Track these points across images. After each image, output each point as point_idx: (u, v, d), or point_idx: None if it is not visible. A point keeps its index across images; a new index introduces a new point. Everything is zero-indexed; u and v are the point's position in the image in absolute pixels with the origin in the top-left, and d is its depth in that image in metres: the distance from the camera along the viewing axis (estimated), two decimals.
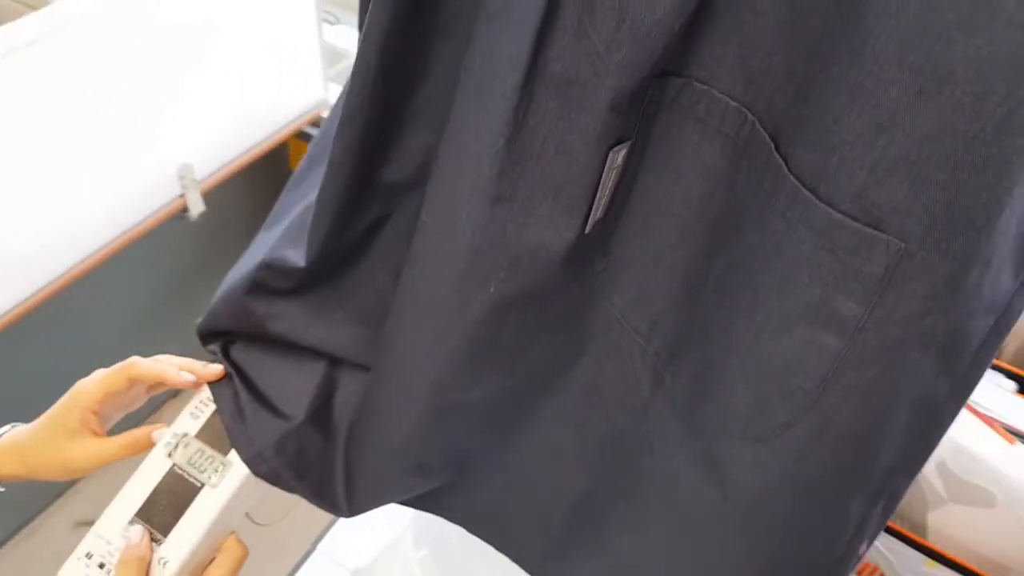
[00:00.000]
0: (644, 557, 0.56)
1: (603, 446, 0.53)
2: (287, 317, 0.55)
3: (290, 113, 1.64)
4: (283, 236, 0.55)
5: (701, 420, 0.46)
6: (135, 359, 0.58)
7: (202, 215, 1.52)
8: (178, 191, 1.45)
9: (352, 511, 0.57)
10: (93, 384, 0.57)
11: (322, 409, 0.57)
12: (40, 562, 1.69)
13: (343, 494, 0.56)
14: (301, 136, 1.74)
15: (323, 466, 0.57)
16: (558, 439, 0.55)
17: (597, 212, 0.42)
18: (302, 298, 0.55)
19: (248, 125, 1.55)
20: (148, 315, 1.77)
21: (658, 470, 0.50)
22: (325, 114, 1.71)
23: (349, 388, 0.57)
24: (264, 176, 1.85)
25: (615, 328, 0.49)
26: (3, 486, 0.60)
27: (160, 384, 0.62)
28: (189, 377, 0.57)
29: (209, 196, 1.52)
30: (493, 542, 0.62)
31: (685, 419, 0.48)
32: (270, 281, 0.54)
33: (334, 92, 1.75)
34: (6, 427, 0.61)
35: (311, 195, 0.59)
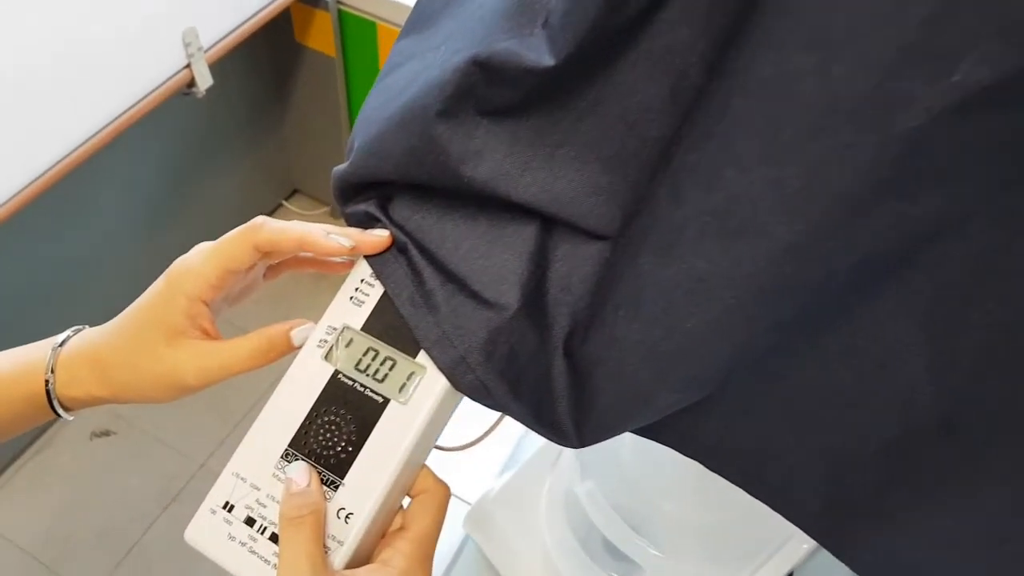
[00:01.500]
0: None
1: (992, 352, 0.34)
2: (492, 156, 0.37)
3: None
4: (488, 27, 0.36)
5: None
6: (262, 219, 0.39)
7: (209, 91, 1.30)
8: (183, 61, 1.22)
9: (584, 439, 0.40)
10: (203, 260, 0.39)
11: (535, 295, 0.39)
12: (56, 478, 1.57)
13: (569, 415, 0.39)
14: (307, 1, 1.50)
15: (538, 375, 0.40)
16: (897, 344, 0.37)
17: None
18: (518, 125, 0.37)
19: None
20: (155, 203, 1.61)
21: None
22: None
23: (566, 264, 0.40)
24: (270, 49, 1.63)
25: None
26: (74, 414, 0.43)
27: (290, 263, 0.45)
28: (345, 242, 0.39)
29: (214, 70, 1.30)
30: (744, 483, 0.45)
31: None
32: (484, 92, 0.35)
33: None
34: (67, 331, 0.43)
35: None
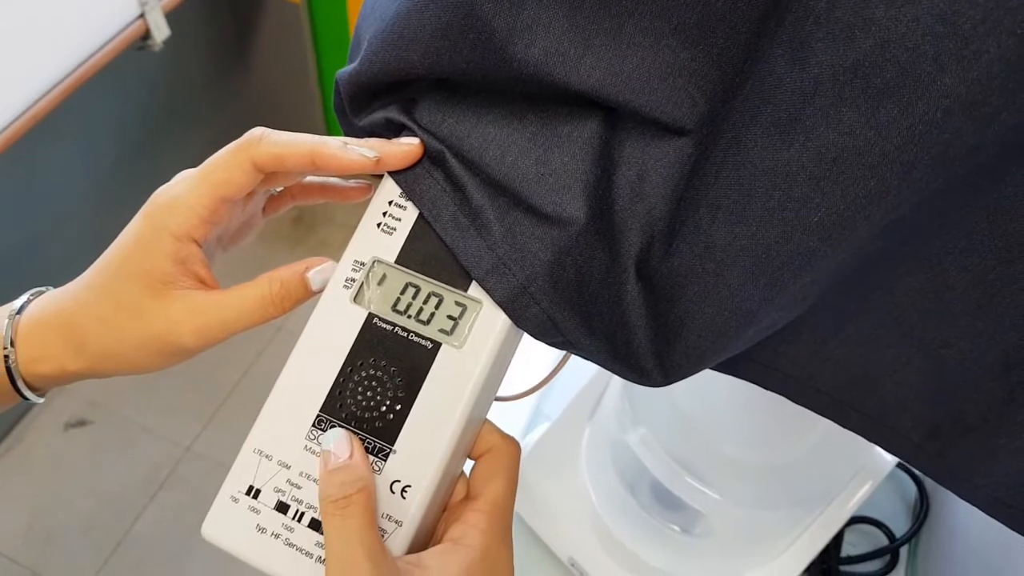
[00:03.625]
0: None
1: None
2: (548, 31, 0.30)
3: None
4: None
5: None
6: (261, 130, 0.32)
7: (166, 43, 1.19)
8: (137, 11, 1.12)
9: (669, 375, 0.33)
10: (190, 188, 0.32)
11: (603, 204, 0.32)
12: (31, 475, 1.49)
13: (649, 348, 0.33)
14: None
15: (610, 303, 0.33)
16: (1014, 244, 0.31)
17: None
18: None
19: None
20: (115, 165, 1.51)
21: None
22: None
23: (636, 166, 0.33)
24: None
25: None
26: (43, 396, 0.35)
27: (295, 192, 0.37)
28: (369, 153, 0.31)
29: (171, 20, 1.19)
30: (836, 415, 0.39)
31: None
32: None
33: None
34: (25, 295, 0.35)
35: None
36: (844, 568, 0.64)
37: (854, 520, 0.67)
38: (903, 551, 0.66)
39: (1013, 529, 0.40)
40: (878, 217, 0.28)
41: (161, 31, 1.17)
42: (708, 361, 0.33)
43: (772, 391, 0.39)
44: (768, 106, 0.28)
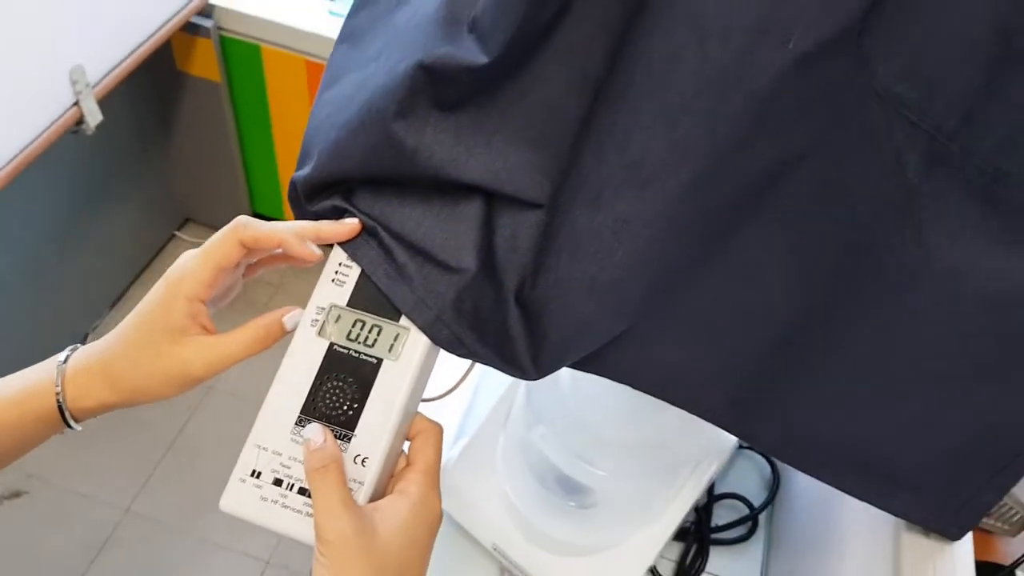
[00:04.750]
0: (864, 392, 0.50)
1: (836, 259, 0.46)
2: (443, 146, 0.45)
3: None
4: (424, 35, 0.43)
5: (1014, 189, 0.41)
6: (245, 218, 0.45)
7: (99, 127, 1.30)
8: (72, 99, 1.22)
9: (541, 370, 0.48)
10: (197, 262, 0.44)
11: (488, 257, 0.47)
12: None
13: (527, 352, 0.47)
14: (187, 29, 1.51)
15: (497, 324, 0.47)
16: (767, 260, 0.47)
17: None
18: (459, 118, 0.45)
19: (136, 13, 1.32)
20: (45, 244, 1.58)
21: (931, 265, 0.44)
22: None
23: (509, 229, 0.48)
24: (152, 80, 1.63)
25: (868, 106, 0.41)
26: (81, 424, 0.47)
27: (266, 261, 0.50)
28: (317, 252, 0.45)
29: (101, 105, 1.29)
30: (666, 395, 0.55)
31: (984, 192, 0.41)
32: (431, 91, 0.42)
33: None
34: (66, 350, 0.47)
35: None
36: (715, 536, 0.80)
37: (722, 496, 0.82)
38: (761, 518, 0.82)
39: (794, 467, 0.56)
40: (656, 256, 0.44)
41: (95, 117, 1.27)
42: (567, 359, 0.48)
43: (621, 383, 0.54)
44: (584, 188, 0.44)
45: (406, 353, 0.44)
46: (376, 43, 0.49)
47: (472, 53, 0.41)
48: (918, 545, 0.59)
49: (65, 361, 0.45)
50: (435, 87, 0.43)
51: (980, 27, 0.39)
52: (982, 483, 0.53)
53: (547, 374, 0.49)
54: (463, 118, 0.45)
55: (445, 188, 0.47)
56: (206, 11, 1.51)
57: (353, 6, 0.53)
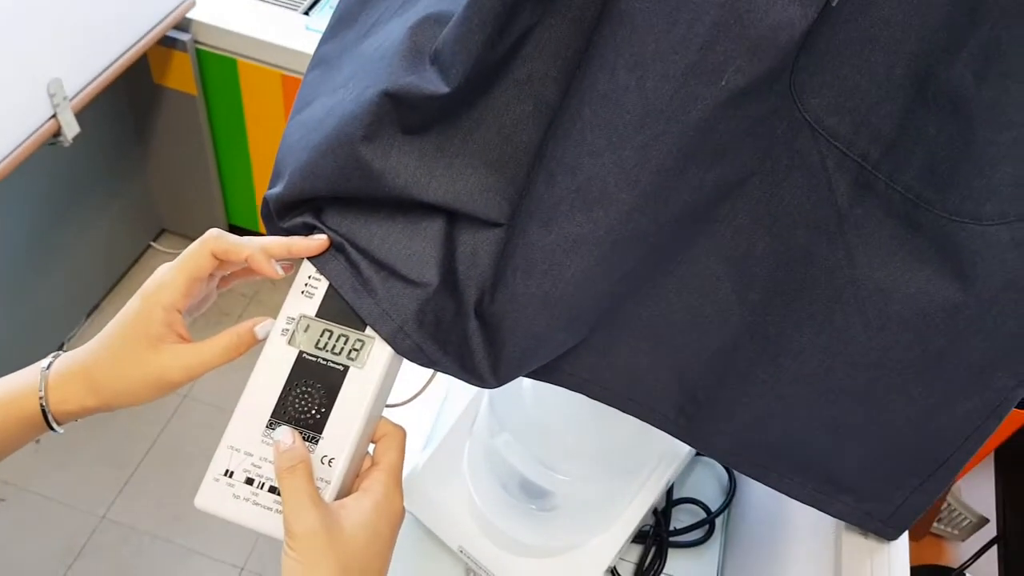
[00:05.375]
0: (803, 400, 0.53)
1: (774, 275, 0.50)
2: (406, 168, 0.48)
3: (157, 9, 1.43)
4: (389, 66, 0.46)
5: (934, 215, 0.44)
6: (218, 231, 0.48)
7: (76, 139, 1.31)
8: (49, 112, 1.24)
9: (500, 379, 0.51)
10: (173, 274, 0.47)
11: (449, 272, 0.50)
12: None
13: (486, 362, 0.51)
14: (164, 42, 1.53)
15: (458, 335, 0.51)
16: (710, 276, 0.51)
17: None
18: (423, 142, 0.48)
19: (114, 26, 1.34)
20: (21, 254, 1.59)
21: (860, 284, 0.47)
22: (191, 14, 1.51)
23: (469, 246, 0.51)
24: (129, 93, 1.64)
25: (801, 136, 0.45)
26: (63, 428, 0.49)
27: (239, 275, 0.53)
28: (280, 272, 0.48)
29: (79, 118, 1.31)
30: (619, 404, 0.58)
31: (907, 218, 0.45)
32: (395, 117, 0.46)
33: None
34: (49, 357, 0.49)
35: (389, 26, 0.51)
36: (674, 538, 0.83)
37: (680, 501, 0.86)
38: (719, 521, 0.85)
39: (740, 472, 0.60)
40: (604, 272, 0.47)
41: (72, 129, 1.28)
42: (524, 368, 0.52)
43: (576, 392, 0.58)
44: (536, 211, 0.47)
45: (371, 361, 0.47)
46: (345, 70, 0.52)
47: (434, 83, 0.45)
48: (857, 545, 0.62)
49: (48, 367, 0.48)
50: (399, 113, 0.46)
51: (899, 69, 0.42)
52: (914, 487, 0.56)
53: (505, 383, 0.52)
54: (426, 142, 0.48)
55: (409, 207, 0.50)
56: (183, 25, 1.53)
57: (324, 34, 0.57)
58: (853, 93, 0.43)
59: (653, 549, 0.81)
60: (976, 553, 1.05)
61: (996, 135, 0.41)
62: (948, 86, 0.42)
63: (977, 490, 1.18)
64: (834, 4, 0.39)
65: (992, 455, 1.23)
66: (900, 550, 0.62)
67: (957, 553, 1.17)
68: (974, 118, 0.41)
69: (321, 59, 0.55)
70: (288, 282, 0.51)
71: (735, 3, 0.37)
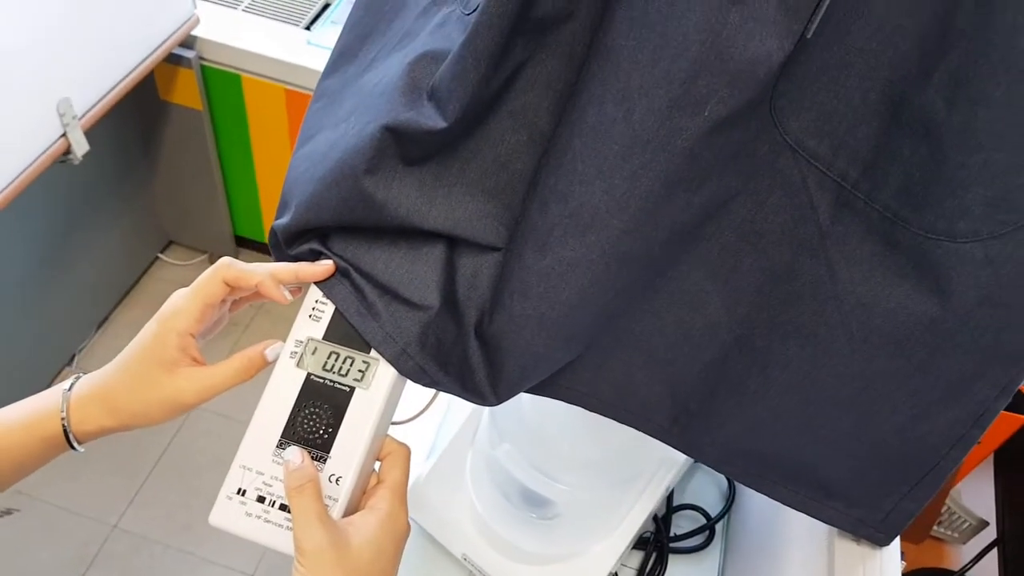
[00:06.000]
0: (792, 410, 0.55)
1: (760, 289, 0.51)
2: (407, 198, 0.50)
3: (163, 28, 1.45)
4: (389, 101, 0.48)
5: (911, 232, 0.46)
6: (229, 259, 0.50)
7: (85, 156, 1.34)
8: (59, 131, 1.27)
9: (500, 397, 0.53)
10: (187, 300, 0.49)
11: (450, 295, 0.52)
12: None
13: (486, 381, 0.53)
14: (170, 60, 1.56)
15: (459, 355, 0.53)
16: (700, 292, 0.53)
17: (820, 11, 0.40)
18: (422, 172, 0.50)
19: (121, 46, 1.37)
20: (33, 269, 1.62)
21: (843, 298, 0.49)
22: (195, 31, 1.54)
23: (470, 269, 0.53)
24: (136, 109, 1.67)
25: (783, 158, 0.47)
26: (84, 446, 0.51)
27: (250, 298, 0.55)
28: (288, 296, 0.51)
29: (88, 135, 1.34)
30: (615, 415, 0.60)
31: (885, 235, 0.47)
32: (396, 151, 0.48)
33: (202, 7, 1.58)
34: (70, 379, 0.51)
35: (388, 61, 0.53)
36: (674, 544, 0.85)
37: (681, 507, 0.88)
38: (718, 527, 0.87)
39: (734, 479, 0.62)
40: (599, 293, 0.49)
41: (81, 147, 1.31)
42: (523, 386, 0.54)
43: (574, 404, 0.60)
44: (531, 236, 0.49)
45: (376, 382, 0.49)
46: (347, 104, 0.54)
47: (432, 119, 0.47)
48: (850, 551, 0.64)
49: (70, 389, 0.50)
50: (400, 147, 0.48)
51: (873, 95, 0.44)
52: (903, 494, 0.58)
53: (505, 400, 0.54)
54: (425, 173, 0.50)
55: (411, 233, 0.52)
56: (188, 42, 1.56)
57: (326, 68, 0.59)
58: (831, 117, 0.45)
59: (654, 555, 0.83)
60: (976, 556, 1.07)
61: (966, 158, 0.43)
62: (921, 111, 0.44)
63: (977, 493, 1.20)
64: (809, 36, 0.41)
65: (991, 458, 1.24)
66: (892, 556, 0.64)
67: (957, 556, 1.18)
68: (945, 141, 0.43)
69: (323, 92, 0.58)
70: (296, 303, 0.53)
71: (715, 39, 0.39)
